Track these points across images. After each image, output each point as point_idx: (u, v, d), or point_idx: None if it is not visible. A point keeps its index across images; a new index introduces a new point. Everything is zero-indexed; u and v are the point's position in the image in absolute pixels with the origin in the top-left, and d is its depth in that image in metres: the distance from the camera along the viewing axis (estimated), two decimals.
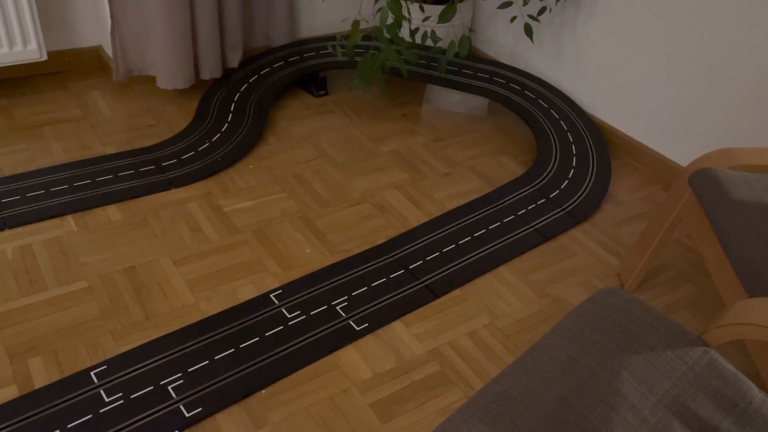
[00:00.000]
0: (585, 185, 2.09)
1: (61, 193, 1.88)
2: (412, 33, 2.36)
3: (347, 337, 1.54)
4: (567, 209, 2.00)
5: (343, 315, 1.59)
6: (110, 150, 2.10)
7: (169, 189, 1.95)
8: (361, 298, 1.64)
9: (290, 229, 1.86)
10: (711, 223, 1.41)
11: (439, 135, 2.38)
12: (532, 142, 2.38)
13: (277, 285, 1.67)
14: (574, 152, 2.21)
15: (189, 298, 1.61)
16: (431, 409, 1.40)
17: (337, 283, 1.68)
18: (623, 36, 2.25)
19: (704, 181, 1.48)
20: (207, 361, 1.44)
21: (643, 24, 2.17)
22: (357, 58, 2.54)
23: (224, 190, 1.98)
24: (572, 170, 2.14)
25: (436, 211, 1.99)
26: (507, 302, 1.69)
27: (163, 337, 1.49)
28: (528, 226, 1.93)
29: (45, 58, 2.19)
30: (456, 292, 1.70)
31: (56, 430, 1.28)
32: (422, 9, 2.57)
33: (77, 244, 1.73)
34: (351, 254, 1.79)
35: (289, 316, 1.57)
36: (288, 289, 1.65)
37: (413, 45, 2.62)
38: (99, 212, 1.84)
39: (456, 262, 1.78)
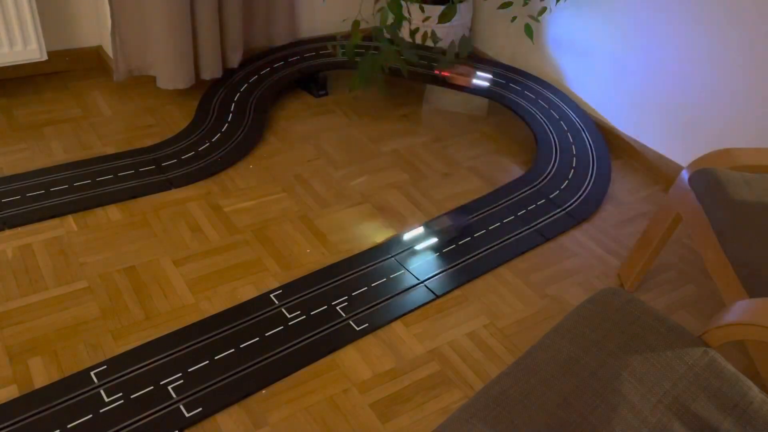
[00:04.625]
0: (585, 185, 2.09)
1: (61, 193, 1.88)
2: (412, 33, 2.36)
3: (347, 337, 1.54)
4: (567, 209, 2.00)
5: (343, 315, 1.59)
6: (110, 150, 2.10)
7: (169, 189, 1.95)
8: (361, 298, 1.64)
9: (290, 229, 1.86)
10: (711, 223, 1.41)
11: (439, 135, 2.38)
12: (532, 142, 2.38)
13: (277, 285, 1.67)
14: (574, 152, 2.21)
15: (189, 298, 1.61)
16: (431, 409, 1.40)
17: (337, 283, 1.68)
18: (623, 36, 2.25)
19: (704, 181, 1.48)
20: (207, 361, 1.44)
21: (644, 24, 2.17)
22: (357, 59, 2.54)
23: (224, 190, 1.98)
24: (572, 170, 2.14)
25: (436, 211, 1.99)
26: (507, 302, 1.69)
27: (163, 337, 1.49)
28: (528, 227, 1.93)
29: (45, 58, 2.19)
30: (456, 292, 1.70)
31: (56, 430, 1.28)
32: (422, 9, 2.57)
33: (77, 244, 1.73)
34: (351, 254, 1.79)
35: (289, 316, 1.57)
36: (288, 289, 1.65)
37: (413, 45, 2.62)
38: (99, 212, 1.84)
39: (456, 262, 1.78)
